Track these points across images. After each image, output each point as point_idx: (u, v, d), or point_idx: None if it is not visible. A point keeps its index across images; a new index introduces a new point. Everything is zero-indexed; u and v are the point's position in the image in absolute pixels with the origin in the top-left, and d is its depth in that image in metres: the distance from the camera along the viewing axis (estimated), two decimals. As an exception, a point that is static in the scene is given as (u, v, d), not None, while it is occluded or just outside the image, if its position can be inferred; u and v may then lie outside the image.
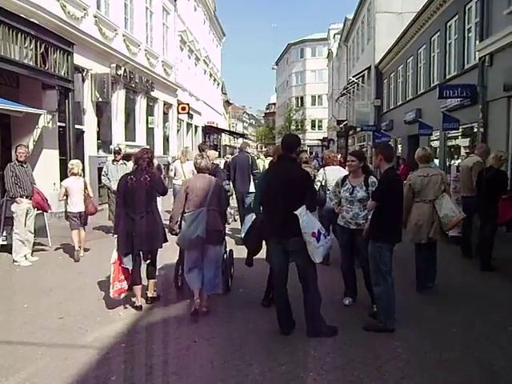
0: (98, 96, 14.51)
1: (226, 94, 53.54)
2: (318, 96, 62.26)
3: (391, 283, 4.69)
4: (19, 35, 9.78)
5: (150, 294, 5.53)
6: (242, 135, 52.37)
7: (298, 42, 63.97)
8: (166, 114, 22.58)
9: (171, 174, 10.43)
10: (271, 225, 4.53)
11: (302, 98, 63.81)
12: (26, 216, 7.73)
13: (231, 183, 9.48)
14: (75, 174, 8.10)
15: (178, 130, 25.25)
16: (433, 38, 15.27)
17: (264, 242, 5.10)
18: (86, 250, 8.38)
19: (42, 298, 5.76)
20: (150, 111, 20.16)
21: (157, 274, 5.77)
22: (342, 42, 37.58)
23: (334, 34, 48.42)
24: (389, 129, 20.25)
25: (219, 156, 25.90)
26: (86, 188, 8.17)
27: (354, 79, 25.15)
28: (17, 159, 7.59)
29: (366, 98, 26.02)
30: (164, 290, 6.01)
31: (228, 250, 6.37)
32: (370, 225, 4.81)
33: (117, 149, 10.17)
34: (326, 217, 6.34)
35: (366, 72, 25.28)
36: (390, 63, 20.86)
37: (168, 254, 5.95)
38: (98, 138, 15.43)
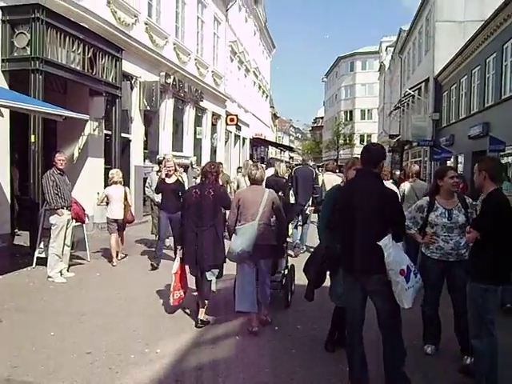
0: (146, 104, 14.11)
1: (273, 107, 53.08)
2: (368, 110, 60.92)
3: (496, 336, 3.67)
4: (67, 39, 9.40)
5: (201, 317, 5.23)
6: (290, 148, 51.60)
7: (348, 55, 63.01)
8: (214, 125, 22.10)
9: (234, 186, 10.49)
10: (347, 257, 3.66)
11: (351, 111, 62.57)
12: (66, 228, 7.19)
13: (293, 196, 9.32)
14: (116, 183, 8.37)
15: (226, 142, 24.74)
16: (505, 46, 13.97)
17: (328, 274, 4.26)
18: (124, 255, 8.56)
19: (73, 325, 5.08)
20: (198, 122, 19.71)
21: (215, 288, 5.62)
22: (396, 54, 36.29)
23: (387, 47, 47.24)
24: (449, 144, 18.86)
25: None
26: (126, 197, 8.43)
27: (410, 91, 23.85)
28: (56, 167, 7.04)
29: (422, 111, 24.68)
30: (220, 309, 5.57)
31: (290, 264, 6.18)
32: (470, 260, 3.84)
33: (161, 159, 9.56)
34: None
35: (422, 84, 23.97)
36: (452, 74, 19.52)
37: (229, 266, 5.44)
38: (145, 148, 15.03)
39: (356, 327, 3.69)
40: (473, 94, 16.56)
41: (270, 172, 9.72)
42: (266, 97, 38.91)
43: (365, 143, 60.76)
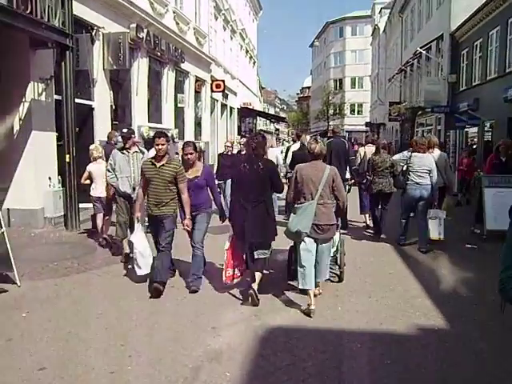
0: (113, 63, 11.15)
1: (258, 77, 49.76)
2: (359, 78, 57.93)
3: None
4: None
5: (254, 286, 5.02)
6: (283, 119, 48.62)
7: (338, 20, 59.56)
8: (198, 92, 19.11)
9: None
10: None
11: (340, 80, 59.48)
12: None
13: None
14: (96, 159, 7.65)
15: (212, 112, 21.81)
16: None
17: None
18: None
19: None
20: (179, 87, 16.74)
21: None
22: (394, 15, 33.23)
23: (381, 8, 44.05)
24: (473, 109, 16.15)
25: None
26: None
27: (421, 51, 20.96)
28: None
29: (432, 73, 21.90)
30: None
31: (339, 237, 5.83)
32: None
33: (125, 131, 6.68)
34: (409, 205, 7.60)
35: (433, 43, 21.11)
36: (475, 28, 16.59)
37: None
38: (115, 119, 12.14)
39: None
40: (510, 48, 13.77)
41: (295, 146, 9.64)
42: (254, 63, 35.74)
43: (355, 114, 58.19)
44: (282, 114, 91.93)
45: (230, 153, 11.08)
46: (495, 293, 5.47)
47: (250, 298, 4.91)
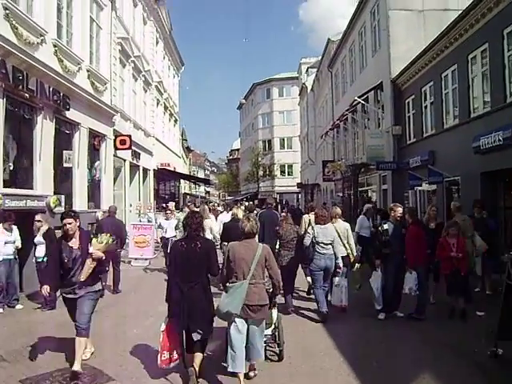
0: None
1: (186, 140, 46.75)
2: (288, 139, 56.71)
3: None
4: None
5: (196, 367, 4.82)
6: (207, 181, 45.42)
7: (264, 81, 59.09)
8: (96, 149, 15.32)
9: (178, 232, 9.95)
10: None
11: (269, 141, 58.12)
12: None
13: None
14: None
15: (118, 174, 17.92)
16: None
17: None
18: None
19: None
20: (64, 142, 12.86)
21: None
22: (324, 70, 31.70)
23: (308, 68, 43.32)
24: (430, 164, 13.39)
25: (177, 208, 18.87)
26: None
27: (360, 100, 18.52)
28: None
29: (372, 127, 19.54)
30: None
31: (277, 314, 5.62)
32: None
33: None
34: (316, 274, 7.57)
35: (371, 94, 18.87)
36: (423, 71, 14.20)
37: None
38: None
39: None
40: (472, 89, 11.21)
41: (227, 217, 10.34)
42: (175, 121, 32.51)
43: (286, 174, 56.30)
44: (212, 177, 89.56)
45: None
46: None
47: (190, 379, 4.69)
